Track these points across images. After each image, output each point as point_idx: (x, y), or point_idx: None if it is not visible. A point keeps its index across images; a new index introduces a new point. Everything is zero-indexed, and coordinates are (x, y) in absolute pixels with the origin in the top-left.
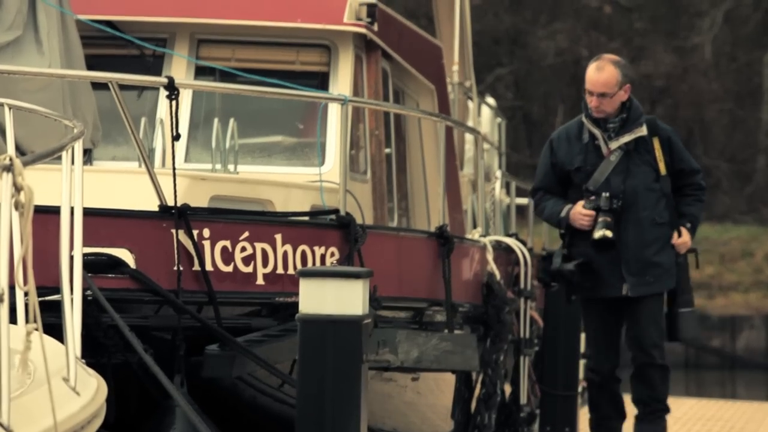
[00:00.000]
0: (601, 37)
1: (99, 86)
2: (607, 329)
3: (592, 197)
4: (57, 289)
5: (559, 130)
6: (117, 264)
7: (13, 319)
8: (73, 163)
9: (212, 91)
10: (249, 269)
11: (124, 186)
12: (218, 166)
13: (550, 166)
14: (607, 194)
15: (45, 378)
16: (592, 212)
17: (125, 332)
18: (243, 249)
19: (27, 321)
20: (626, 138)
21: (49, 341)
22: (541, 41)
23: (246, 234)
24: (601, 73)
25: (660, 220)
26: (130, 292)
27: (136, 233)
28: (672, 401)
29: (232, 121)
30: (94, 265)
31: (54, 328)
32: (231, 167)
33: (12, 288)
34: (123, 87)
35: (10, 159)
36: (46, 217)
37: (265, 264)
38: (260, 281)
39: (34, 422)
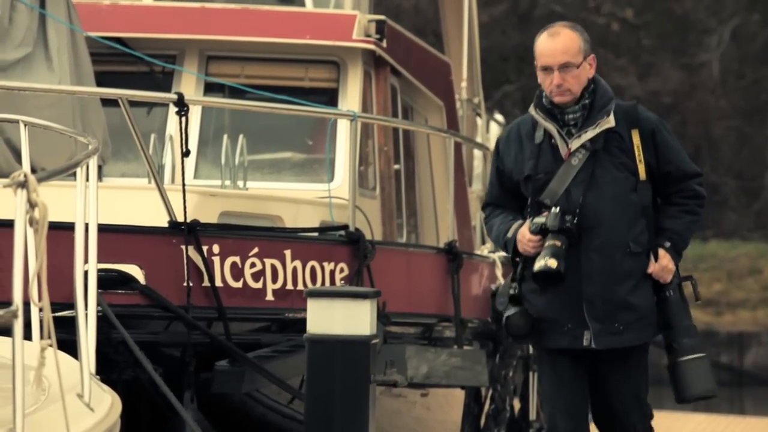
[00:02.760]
0: (609, 54)
1: (108, 102)
2: (567, 386)
3: (538, 216)
4: (67, 305)
5: (508, 127)
6: (127, 280)
7: (26, 336)
8: (87, 179)
9: (221, 107)
10: (258, 285)
11: (134, 202)
12: (228, 182)
13: (496, 174)
14: (557, 210)
15: (59, 394)
16: (537, 237)
17: (134, 350)
18: (252, 265)
19: (41, 337)
20: (590, 133)
21: (64, 357)
22: None
23: (255, 250)
24: (558, 39)
25: (636, 247)
26: (141, 308)
27: (146, 249)
28: (680, 417)
29: (241, 137)
30: (104, 281)
31: (65, 344)
32: (240, 183)
33: (26, 304)
34: (132, 103)
35: (25, 175)
36: (56, 233)
37: (274, 280)
38: (270, 297)
39: None
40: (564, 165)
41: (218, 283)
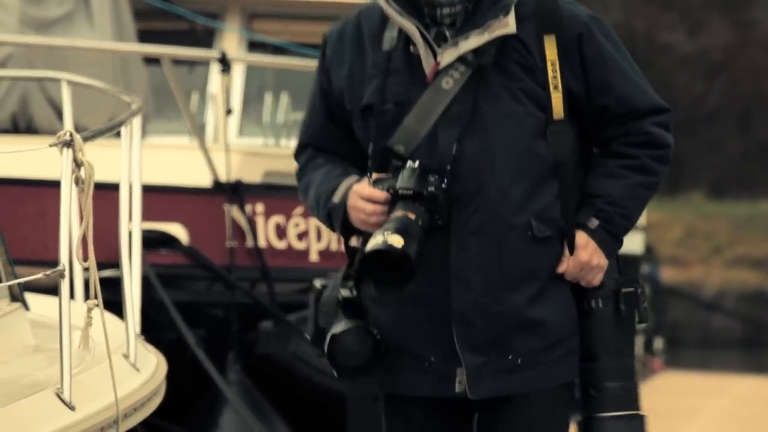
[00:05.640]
0: (657, 10)
1: (150, 60)
2: None
3: (384, 173)
4: (109, 266)
5: (342, 20)
6: (170, 240)
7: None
8: (131, 138)
9: (265, 65)
10: (302, 245)
11: (177, 161)
12: (271, 142)
13: (321, 96)
14: (415, 164)
15: (105, 354)
16: (383, 195)
17: (173, 315)
18: (296, 225)
19: (87, 297)
20: (475, 40)
21: (109, 318)
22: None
23: (300, 210)
24: None
25: (542, 229)
26: (184, 269)
27: (189, 209)
28: (730, 379)
29: (284, 95)
30: (147, 242)
31: (108, 305)
32: (284, 142)
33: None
34: (175, 61)
35: (71, 135)
36: (98, 192)
37: (318, 239)
38: (314, 257)
39: (94, 399)
40: (429, 90)
41: (262, 243)
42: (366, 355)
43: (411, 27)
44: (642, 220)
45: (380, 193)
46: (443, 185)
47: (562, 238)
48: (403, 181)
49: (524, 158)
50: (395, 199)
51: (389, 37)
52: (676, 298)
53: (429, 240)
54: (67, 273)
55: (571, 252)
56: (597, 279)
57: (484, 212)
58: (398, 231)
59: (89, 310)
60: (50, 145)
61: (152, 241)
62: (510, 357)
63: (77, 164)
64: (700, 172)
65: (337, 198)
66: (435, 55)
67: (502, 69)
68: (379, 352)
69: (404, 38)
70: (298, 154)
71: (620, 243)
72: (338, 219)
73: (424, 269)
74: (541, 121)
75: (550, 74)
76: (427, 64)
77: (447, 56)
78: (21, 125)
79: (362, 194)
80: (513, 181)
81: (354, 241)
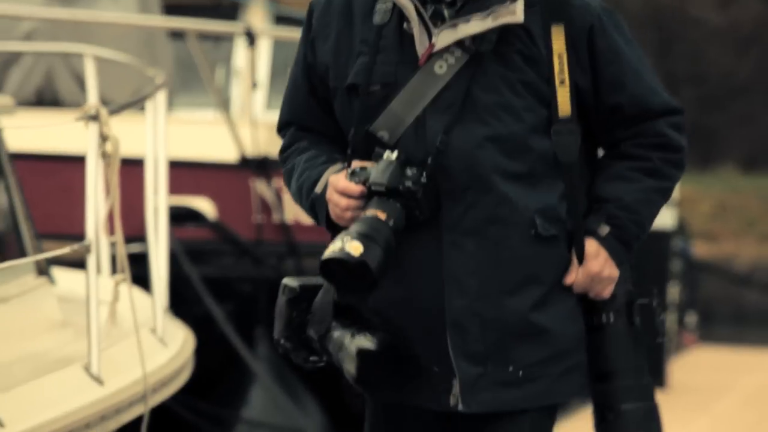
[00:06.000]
0: None
1: (175, 35)
2: None
3: (363, 162)
4: (136, 240)
5: None
6: (196, 215)
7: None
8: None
9: (290, 39)
10: None
11: (203, 136)
12: None
13: (304, 70)
14: (392, 155)
15: (132, 329)
16: (358, 189)
17: (200, 290)
18: None
19: (114, 272)
20: (476, 25)
21: (137, 292)
22: None
23: None
24: None
25: (547, 227)
26: (211, 243)
27: (216, 184)
28: (763, 354)
29: None
30: (174, 216)
31: (134, 280)
32: None
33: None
34: (200, 36)
35: (96, 108)
36: (123, 167)
37: None
38: None
39: (122, 373)
40: (420, 73)
41: (289, 218)
42: (390, 369)
43: (406, 1)
44: (675, 194)
45: (355, 187)
46: (422, 179)
47: (567, 240)
48: (377, 175)
49: (521, 154)
50: (371, 193)
51: (382, 10)
52: (709, 273)
53: (419, 238)
54: (94, 247)
55: (580, 261)
56: (607, 291)
57: (480, 209)
58: (360, 236)
59: (116, 284)
60: (76, 119)
61: (179, 216)
62: (510, 369)
63: (103, 138)
64: (732, 146)
65: (320, 188)
66: (430, 36)
67: (502, 58)
68: (401, 363)
69: (398, 13)
70: (280, 130)
71: (632, 252)
72: (322, 212)
73: (415, 270)
74: (543, 118)
75: (557, 68)
76: (421, 45)
77: (443, 39)
78: (46, 99)
79: (337, 187)
80: (509, 177)
81: None
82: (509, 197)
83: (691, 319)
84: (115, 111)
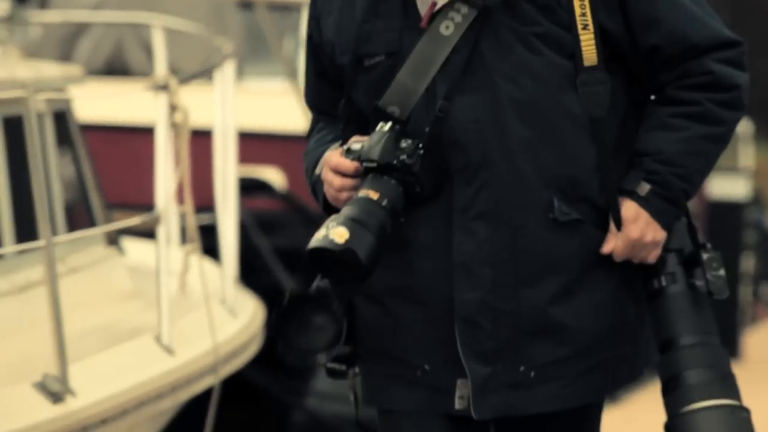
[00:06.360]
0: None
1: (244, 5)
2: None
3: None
4: (205, 211)
5: None
6: (266, 186)
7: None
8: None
9: None
10: None
11: (273, 106)
12: None
13: (312, 51)
14: (386, 126)
15: (202, 300)
16: (352, 166)
17: (270, 261)
18: None
19: (184, 242)
20: None
21: (206, 263)
22: None
23: None
24: None
25: (567, 211)
26: (281, 215)
27: (285, 154)
28: None
29: None
30: (243, 188)
31: (204, 251)
32: None
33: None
34: (268, 6)
35: (166, 78)
36: (193, 138)
37: None
38: None
39: (193, 344)
40: (425, 36)
41: None
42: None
43: None
44: (749, 163)
45: (349, 164)
46: (419, 150)
47: (598, 221)
48: (368, 149)
49: (545, 120)
50: (366, 171)
51: None
52: None
53: (426, 218)
54: (164, 218)
55: (618, 227)
56: (653, 256)
57: (494, 189)
58: (348, 220)
59: (186, 255)
60: (145, 89)
61: (248, 187)
62: (522, 368)
63: (172, 108)
64: None
65: (319, 169)
66: None
67: (512, 10)
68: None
69: None
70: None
71: (680, 210)
72: (320, 194)
73: (423, 257)
74: (569, 71)
75: (578, 11)
76: (423, 5)
77: None
78: (116, 69)
79: (330, 164)
80: (529, 150)
81: None
82: (527, 175)
83: (766, 291)
84: (184, 81)
